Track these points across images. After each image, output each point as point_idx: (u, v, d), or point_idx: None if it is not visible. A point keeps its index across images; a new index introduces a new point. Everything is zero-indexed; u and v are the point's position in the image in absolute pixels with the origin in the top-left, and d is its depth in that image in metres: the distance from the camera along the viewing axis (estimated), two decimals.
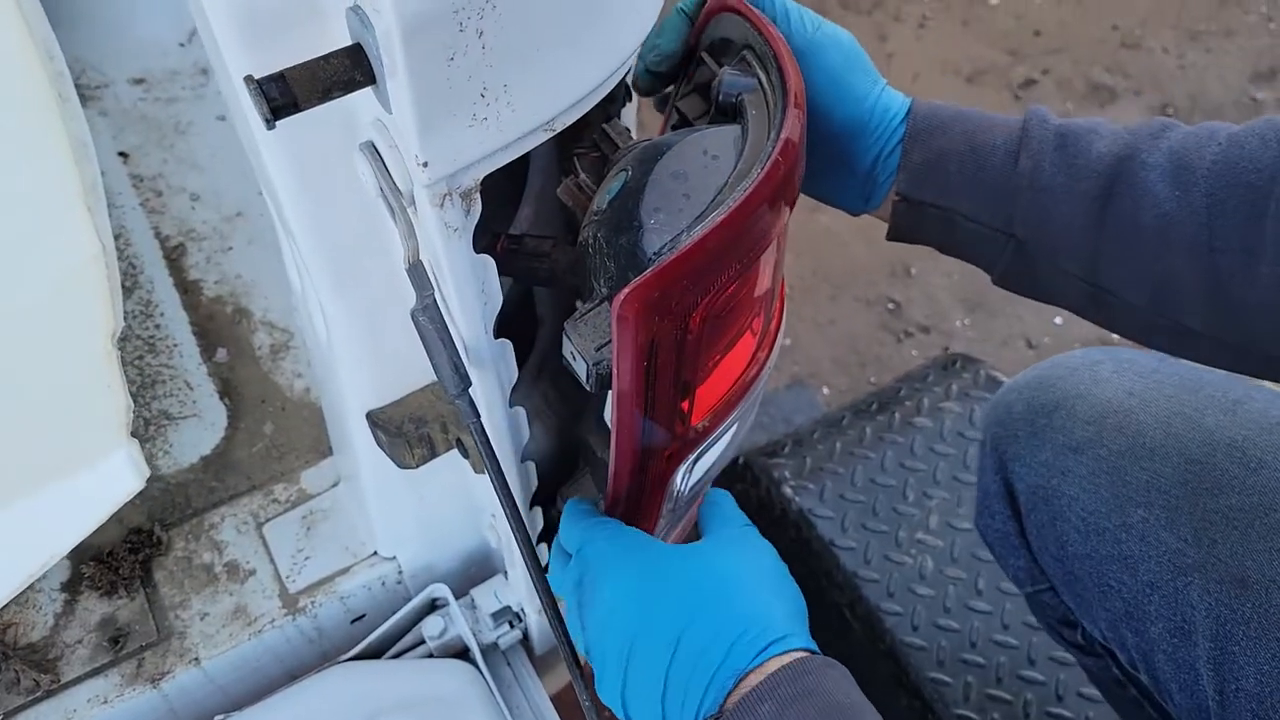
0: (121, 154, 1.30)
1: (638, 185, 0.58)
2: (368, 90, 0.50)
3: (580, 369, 0.59)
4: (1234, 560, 0.78)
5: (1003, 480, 0.97)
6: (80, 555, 1.00)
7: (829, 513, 1.39)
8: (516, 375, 0.70)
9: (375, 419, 0.77)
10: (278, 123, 0.48)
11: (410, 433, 0.76)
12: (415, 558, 1.00)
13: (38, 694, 0.93)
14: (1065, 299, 0.74)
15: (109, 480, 0.76)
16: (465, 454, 0.78)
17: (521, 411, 0.73)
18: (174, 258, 1.22)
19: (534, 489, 0.82)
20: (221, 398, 1.11)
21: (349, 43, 0.49)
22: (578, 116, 0.55)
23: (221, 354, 1.15)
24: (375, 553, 1.01)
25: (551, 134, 0.54)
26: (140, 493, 0.77)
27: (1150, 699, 0.97)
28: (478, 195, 0.55)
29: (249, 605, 0.98)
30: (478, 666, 0.98)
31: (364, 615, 1.03)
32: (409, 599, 1.01)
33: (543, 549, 0.88)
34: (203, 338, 1.16)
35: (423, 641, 1.00)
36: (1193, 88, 2.37)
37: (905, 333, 1.99)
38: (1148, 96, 2.36)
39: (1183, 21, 2.50)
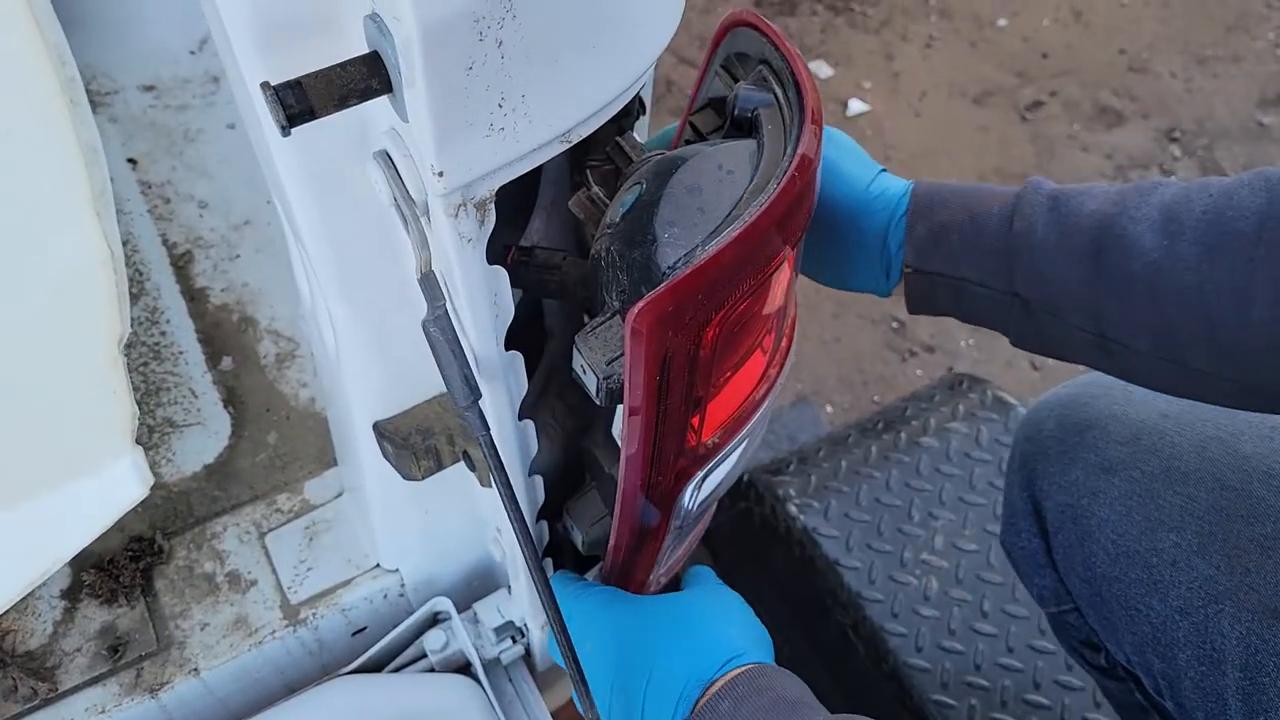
0: (130, 160, 1.29)
1: (652, 199, 0.58)
2: (383, 99, 0.49)
3: (590, 382, 0.59)
4: (1267, 590, 0.78)
5: (1030, 497, 0.97)
6: (81, 562, 0.99)
7: (834, 532, 1.38)
8: (526, 387, 0.69)
9: (382, 430, 0.76)
10: (292, 130, 0.48)
11: (417, 444, 0.75)
12: (418, 570, 0.99)
13: (35, 702, 0.92)
14: (1077, 353, 0.75)
15: (113, 487, 0.75)
16: (472, 467, 0.78)
17: (530, 424, 0.72)
18: (181, 265, 1.22)
19: (541, 503, 0.81)
20: (226, 406, 1.11)
21: (366, 50, 0.49)
22: (595, 128, 0.55)
23: (227, 362, 1.14)
24: (378, 565, 1.00)
25: (568, 145, 0.54)
26: (142, 500, 0.77)
27: None
28: (492, 206, 0.54)
29: (250, 616, 0.97)
30: (479, 682, 0.98)
31: (365, 628, 1.02)
32: (411, 612, 1.00)
33: (548, 563, 0.88)
34: (208, 345, 1.15)
35: (424, 655, 0.99)
36: (1199, 112, 2.38)
37: (910, 352, 1.98)
38: (1155, 120, 2.36)
39: (1190, 46, 2.51)
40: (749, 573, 1.49)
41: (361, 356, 0.72)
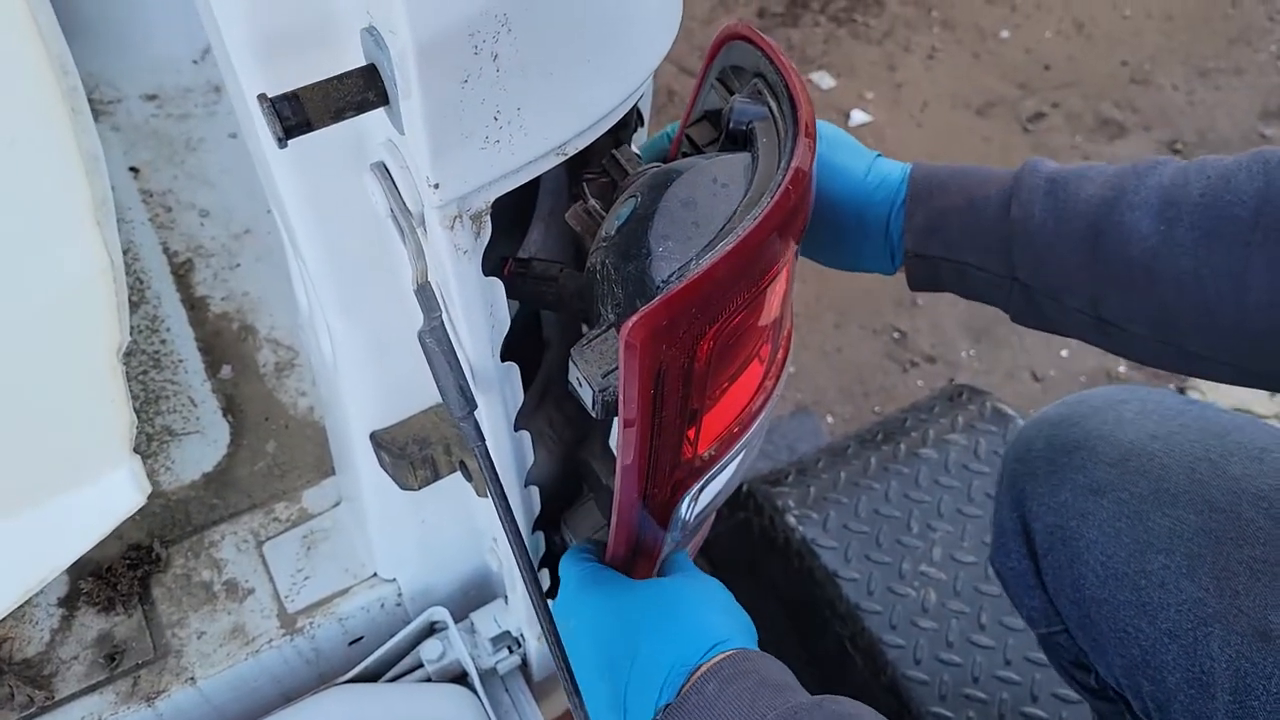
0: (132, 169, 1.30)
1: (647, 212, 0.58)
2: (380, 111, 0.50)
3: (586, 395, 0.59)
4: (1256, 612, 0.77)
5: (1020, 518, 0.96)
6: (79, 570, 0.99)
7: (832, 543, 1.38)
8: (522, 399, 0.69)
9: (379, 440, 0.77)
10: (289, 142, 0.48)
11: (414, 454, 0.75)
12: (415, 580, 0.99)
13: (31, 710, 0.92)
14: (1076, 332, 0.76)
15: (111, 495, 0.75)
16: (468, 477, 0.78)
17: (526, 435, 0.73)
18: (181, 273, 1.22)
19: (537, 514, 0.81)
20: (225, 415, 1.11)
21: (363, 63, 0.49)
22: (590, 141, 0.55)
23: (226, 371, 1.15)
24: (375, 574, 1.00)
25: (564, 158, 0.54)
26: (140, 508, 0.77)
27: None
28: (488, 218, 0.54)
29: (247, 624, 0.97)
30: (476, 691, 0.97)
31: (362, 637, 1.02)
32: (408, 622, 1.00)
33: (544, 574, 0.88)
34: (208, 354, 1.15)
35: (421, 665, 0.99)
36: (1201, 124, 2.38)
37: (911, 362, 1.98)
38: (1157, 132, 2.36)
39: (1192, 58, 2.51)
40: (747, 584, 1.49)
41: (359, 367, 0.72)
